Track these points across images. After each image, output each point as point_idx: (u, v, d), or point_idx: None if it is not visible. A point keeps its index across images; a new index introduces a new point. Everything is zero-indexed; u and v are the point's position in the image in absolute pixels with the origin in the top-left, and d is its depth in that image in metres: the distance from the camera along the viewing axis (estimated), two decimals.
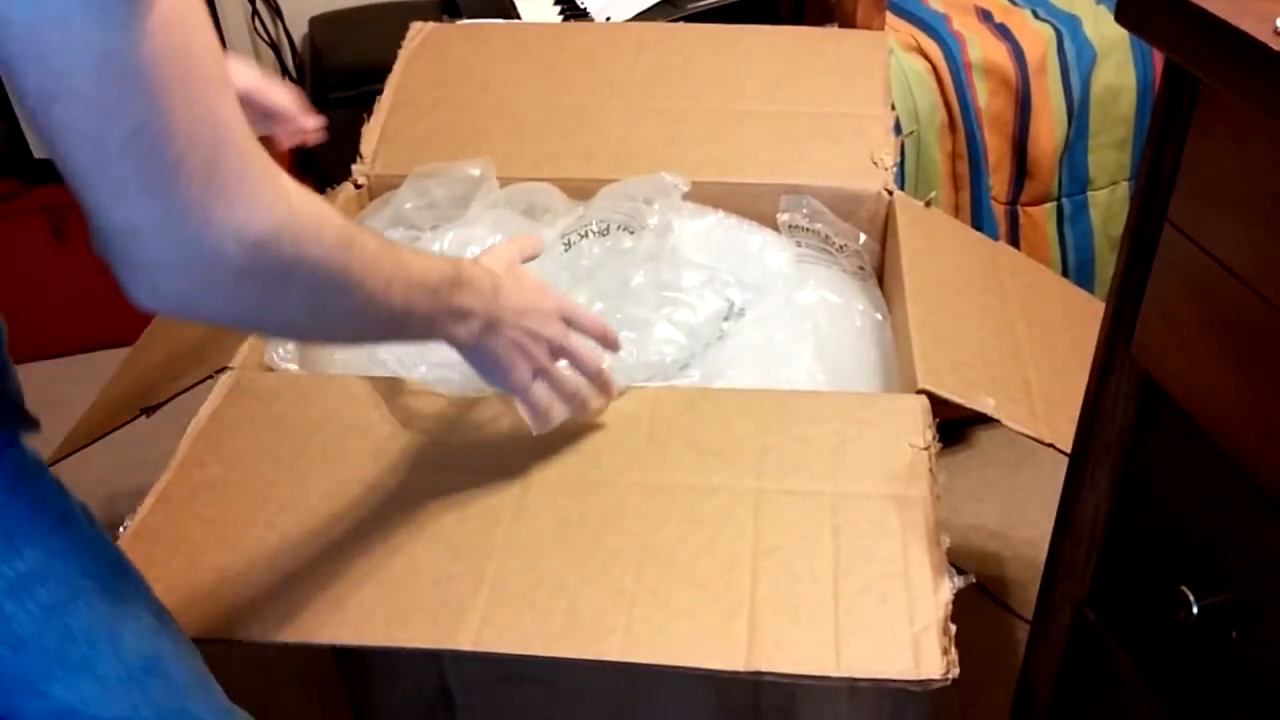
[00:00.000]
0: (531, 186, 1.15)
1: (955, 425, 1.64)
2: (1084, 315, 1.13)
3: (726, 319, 1.03)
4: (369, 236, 0.66)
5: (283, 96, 0.97)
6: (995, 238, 1.43)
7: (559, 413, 0.87)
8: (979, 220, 1.52)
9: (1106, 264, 1.59)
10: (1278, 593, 0.68)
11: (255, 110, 0.97)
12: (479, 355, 0.81)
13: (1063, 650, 0.93)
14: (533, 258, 0.91)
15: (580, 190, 1.14)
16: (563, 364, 0.86)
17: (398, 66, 1.32)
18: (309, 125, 1.00)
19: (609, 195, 1.10)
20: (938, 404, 0.91)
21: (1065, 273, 1.58)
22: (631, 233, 1.04)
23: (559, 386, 0.86)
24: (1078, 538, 0.87)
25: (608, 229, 1.05)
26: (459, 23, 1.50)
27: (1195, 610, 0.72)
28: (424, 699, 1.04)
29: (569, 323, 0.86)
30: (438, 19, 1.40)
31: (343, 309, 0.64)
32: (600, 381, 0.89)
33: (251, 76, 0.96)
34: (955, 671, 0.71)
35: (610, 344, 0.90)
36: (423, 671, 1.01)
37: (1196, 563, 0.75)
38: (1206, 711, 0.77)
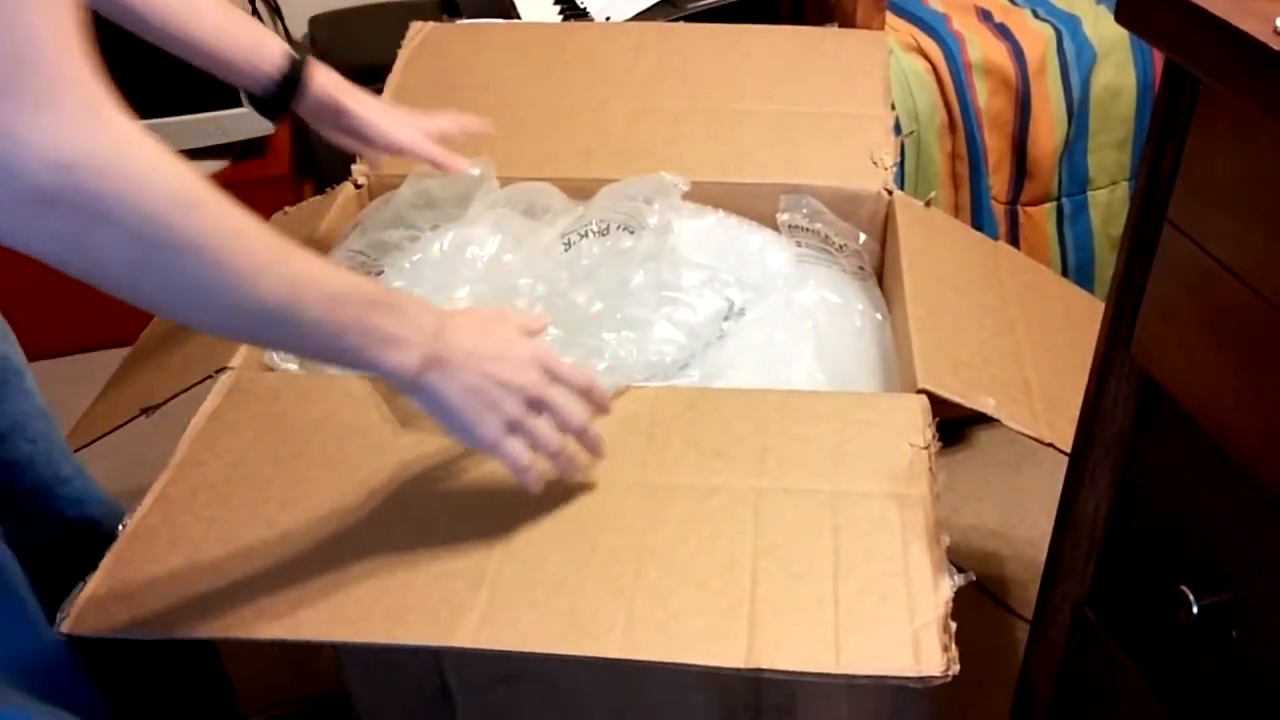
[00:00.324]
0: (531, 186, 1.15)
1: (955, 425, 1.64)
2: (1084, 315, 1.13)
3: (726, 319, 1.03)
4: (235, 213, 0.62)
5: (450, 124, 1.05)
6: (995, 237, 1.43)
7: (544, 470, 0.81)
8: (979, 220, 1.52)
9: (1106, 264, 1.59)
10: (1278, 593, 0.68)
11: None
12: (431, 400, 0.75)
13: (1063, 650, 0.93)
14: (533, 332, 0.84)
15: (580, 190, 1.14)
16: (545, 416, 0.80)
17: (397, 66, 1.32)
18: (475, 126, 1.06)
19: (609, 195, 1.10)
20: (937, 404, 0.91)
21: (1065, 273, 1.58)
22: (631, 232, 1.04)
23: (538, 443, 0.79)
24: (1078, 538, 0.87)
25: (608, 229, 1.05)
26: (459, 22, 1.50)
27: (1195, 610, 0.72)
28: (424, 699, 1.04)
29: (550, 375, 0.79)
30: (438, 19, 1.40)
31: (183, 280, 0.60)
32: (587, 441, 0.83)
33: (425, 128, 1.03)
34: (955, 668, 0.71)
35: (597, 401, 0.83)
36: (423, 671, 1.01)
37: (1196, 562, 0.75)
38: (1206, 711, 0.77)
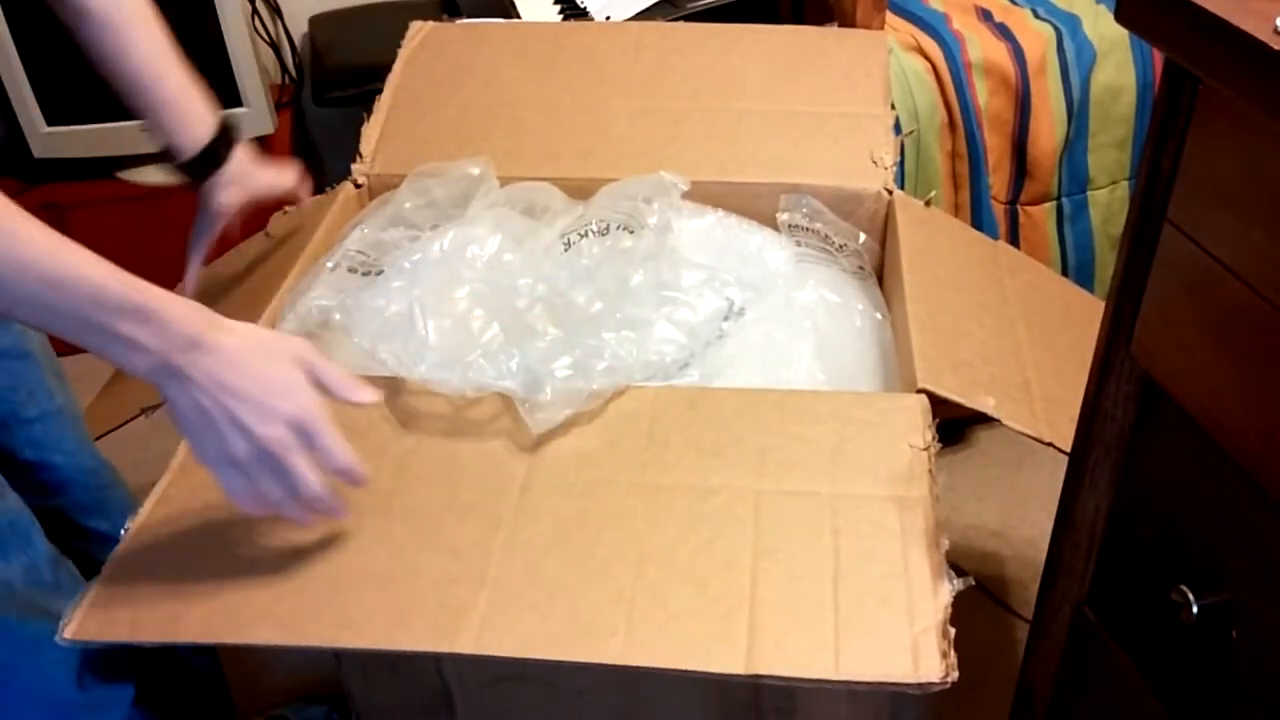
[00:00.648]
0: (531, 186, 1.15)
1: (955, 425, 1.64)
2: (1084, 314, 1.13)
3: (726, 318, 1.03)
4: None
5: (283, 179, 1.10)
6: (995, 237, 1.43)
7: (264, 509, 0.77)
8: (979, 220, 1.52)
9: (1106, 264, 1.59)
10: (1277, 593, 0.68)
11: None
12: (167, 401, 0.74)
13: (1062, 650, 0.93)
14: (336, 395, 0.79)
15: (579, 190, 1.14)
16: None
17: (397, 66, 1.32)
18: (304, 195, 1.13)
19: (608, 195, 1.10)
20: (937, 403, 0.91)
21: (1065, 272, 1.58)
22: (631, 232, 1.04)
23: (253, 492, 0.76)
24: (1077, 537, 0.87)
25: (608, 228, 1.05)
26: (459, 22, 1.50)
27: (1195, 610, 0.72)
28: (424, 699, 1.04)
29: (305, 438, 0.75)
30: (437, 18, 1.40)
31: None
32: (319, 507, 0.79)
33: (270, 178, 1.08)
34: (954, 675, 0.71)
35: (354, 481, 0.79)
36: (423, 671, 1.01)
37: (1196, 562, 0.75)
38: (1206, 711, 0.77)
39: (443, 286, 1.02)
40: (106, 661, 0.94)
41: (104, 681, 0.95)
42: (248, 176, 1.07)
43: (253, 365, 0.74)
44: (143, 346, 0.71)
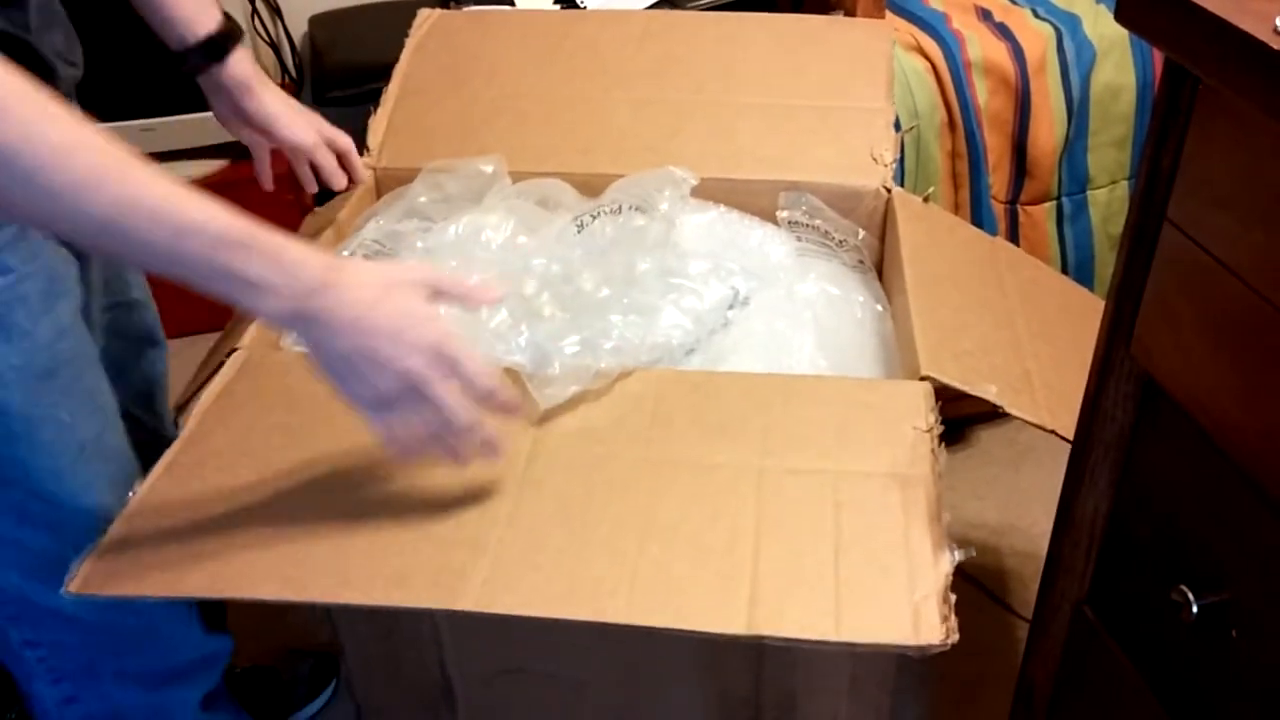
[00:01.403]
0: (543, 182, 1.15)
1: (956, 424, 1.63)
2: (1082, 310, 1.13)
3: (731, 307, 1.04)
4: (73, 128, 0.64)
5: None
6: (995, 236, 1.43)
7: (420, 450, 0.77)
8: (979, 219, 1.52)
9: (1106, 263, 1.60)
10: (1277, 592, 0.68)
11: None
12: (307, 348, 0.73)
13: (1062, 649, 0.93)
14: (462, 301, 0.80)
15: (584, 185, 1.15)
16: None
17: (405, 55, 1.32)
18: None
19: (620, 187, 1.10)
20: (938, 399, 0.91)
21: (1065, 272, 1.58)
22: (643, 212, 1.04)
23: (405, 432, 0.76)
24: (1077, 536, 0.88)
25: (620, 209, 1.05)
26: (465, 9, 1.50)
27: (1195, 609, 0.72)
28: (425, 694, 1.04)
29: (447, 366, 0.74)
30: None
31: (13, 183, 0.62)
32: (481, 442, 0.78)
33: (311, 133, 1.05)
34: (954, 638, 0.71)
35: (500, 407, 0.78)
36: (424, 666, 1.02)
37: (1196, 562, 0.75)
38: (1205, 710, 0.77)
39: (457, 269, 1.03)
40: None
41: None
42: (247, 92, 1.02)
43: (383, 300, 0.73)
44: (275, 290, 0.70)
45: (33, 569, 0.88)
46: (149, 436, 1.07)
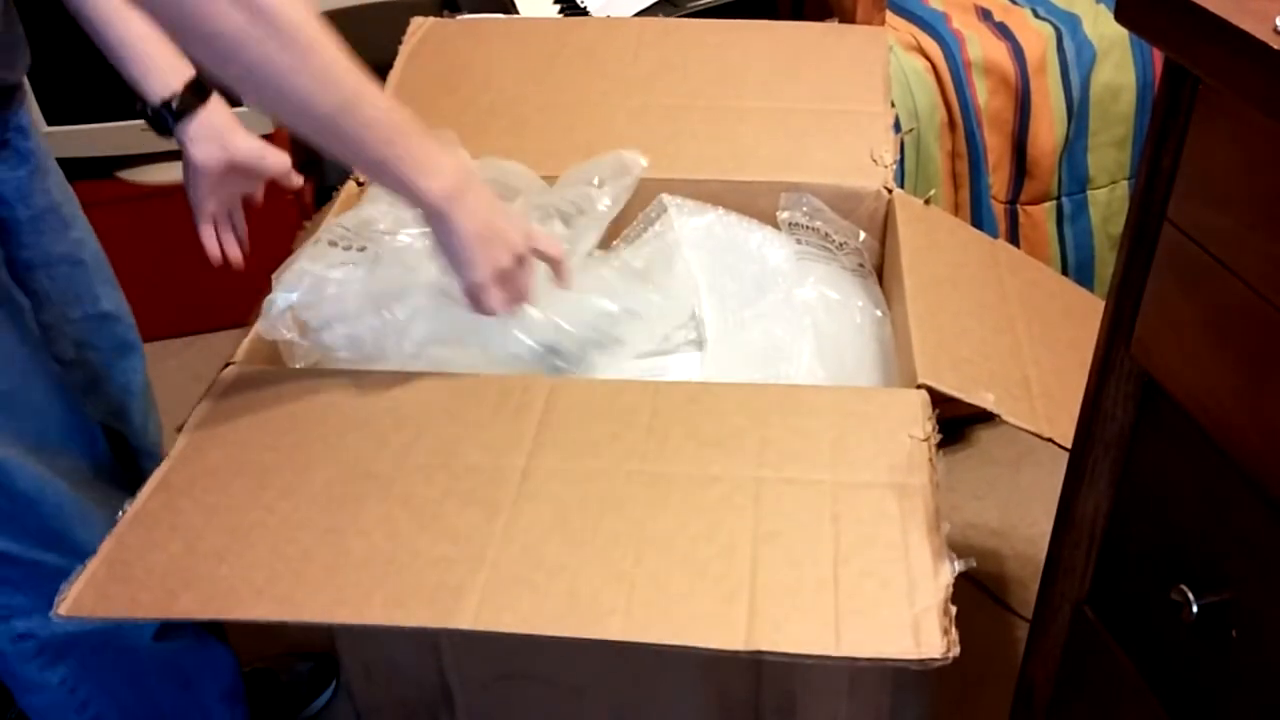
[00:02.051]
0: (504, 166, 1.15)
1: (955, 424, 1.64)
2: (1083, 312, 1.13)
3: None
4: (324, 32, 0.80)
5: (279, 162, 1.10)
6: (995, 237, 1.43)
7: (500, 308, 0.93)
8: (978, 219, 1.52)
9: (1106, 263, 1.60)
10: (1277, 592, 0.68)
11: (252, 175, 1.09)
12: (446, 230, 0.87)
13: (1062, 649, 0.93)
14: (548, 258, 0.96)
15: None
16: None
17: (398, 63, 1.32)
18: (295, 184, 1.12)
19: (568, 178, 1.12)
20: (937, 401, 0.91)
21: (1065, 271, 1.58)
22: (566, 223, 1.07)
23: (518, 292, 0.94)
24: (1077, 537, 0.87)
25: (544, 219, 1.07)
26: (459, 18, 1.50)
27: (1195, 609, 0.72)
28: (424, 698, 1.04)
29: (529, 241, 0.93)
30: (437, 17, 1.40)
31: (271, 64, 0.76)
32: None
33: (252, 146, 1.07)
34: (955, 651, 0.71)
35: (561, 275, 0.97)
36: (423, 670, 1.02)
37: (1196, 562, 0.75)
38: (1205, 710, 0.77)
39: (395, 278, 1.03)
40: None
41: None
42: (228, 137, 1.06)
43: (485, 193, 0.90)
44: (436, 168, 0.84)
45: None
46: (126, 447, 1.08)
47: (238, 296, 1.07)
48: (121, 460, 1.07)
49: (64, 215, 1.08)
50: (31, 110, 1.03)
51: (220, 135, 1.05)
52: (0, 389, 0.94)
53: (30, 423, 0.96)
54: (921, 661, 0.72)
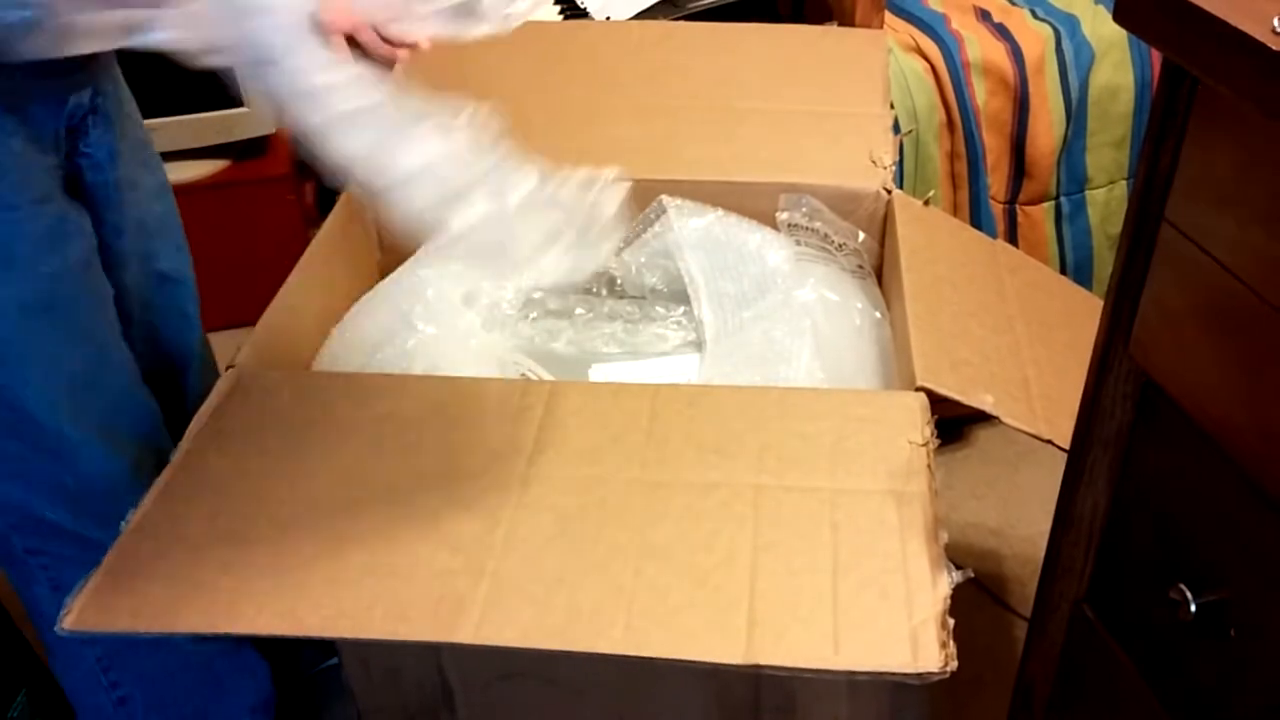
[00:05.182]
0: None
1: (954, 423, 1.64)
2: (1083, 313, 1.13)
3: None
4: None
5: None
6: (994, 237, 1.43)
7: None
8: (977, 219, 1.52)
9: (1105, 263, 1.60)
10: (1276, 591, 0.68)
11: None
12: None
13: (1061, 648, 0.93)
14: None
15: None
16: None
17: (399, 65, 1.32)
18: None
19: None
20: (936, 401, 0.91)
21: (1064, 272, 1.59)
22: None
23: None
24: (1076, 536, 0.88)
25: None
26: None
27: (1193, 608, 0.72)
28: (425, 696, 1.04)
29: None
30: None
31: None
32: None
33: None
34: (953, 665, 0.72)
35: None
36: (423, 669, 1.02)
37: (1195, 561, 0.75)
38: (1204, 709, 0.77)
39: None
40: None
41: None
42: None
43: None
44: None
45: (34, 486, 0.95)
46: (170, 413, 1.08)
47: (238, 296, 1.08)
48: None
49: (147, 179, 1.08)
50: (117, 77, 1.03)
51: None
52: (83, 369, 0.94)
53: (106, 404, 0.96)
54: (919, 675, 0.72)
